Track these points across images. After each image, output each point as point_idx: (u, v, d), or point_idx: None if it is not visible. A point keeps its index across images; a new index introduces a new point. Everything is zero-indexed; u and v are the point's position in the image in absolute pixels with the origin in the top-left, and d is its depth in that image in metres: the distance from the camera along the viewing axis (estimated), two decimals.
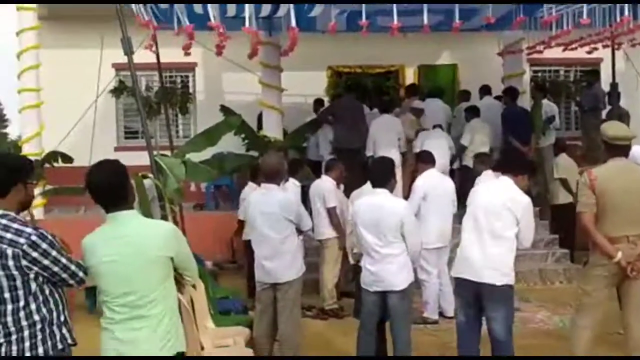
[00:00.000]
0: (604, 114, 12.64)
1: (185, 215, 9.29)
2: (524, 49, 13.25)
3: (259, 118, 12.26)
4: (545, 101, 12.86)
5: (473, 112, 11.87)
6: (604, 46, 12.16)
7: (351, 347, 6.34)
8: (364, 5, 8.56)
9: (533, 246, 9.67)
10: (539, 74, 15.71)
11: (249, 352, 5.88)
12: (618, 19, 9.72)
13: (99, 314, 3.91)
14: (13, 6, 13.64)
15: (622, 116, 11.54)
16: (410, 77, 15.49)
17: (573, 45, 11.88)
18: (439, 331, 7.76)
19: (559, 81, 16.04)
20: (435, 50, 14.74)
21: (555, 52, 12.51)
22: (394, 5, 8.49)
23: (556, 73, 16.10)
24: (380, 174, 6.26)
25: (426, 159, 8.48)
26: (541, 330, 7.28)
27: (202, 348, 5.71)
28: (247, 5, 8.71)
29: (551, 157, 11.32)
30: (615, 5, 9.63)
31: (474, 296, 5.62)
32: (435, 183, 8.13)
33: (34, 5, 13.33)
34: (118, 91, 14.18)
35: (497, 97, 12.84)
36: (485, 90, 13.04)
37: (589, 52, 12.18)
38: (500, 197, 5.58)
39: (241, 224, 9.00)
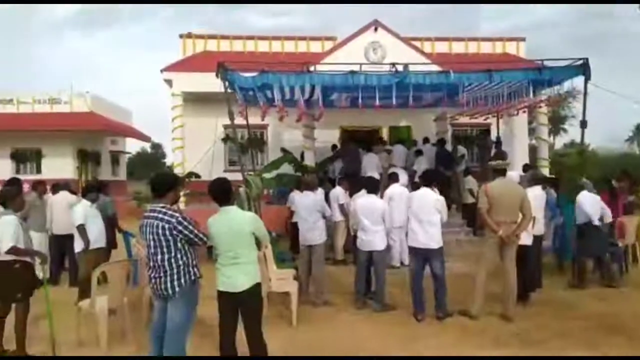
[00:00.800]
0: (491, 153, 12.57)
1: (262, 208, 9.36)
2: (448, 117, 13.27)
3: (302, 154, 12.31)
4: (459, 146, 12.83)
5: (419, 153, 11.84)
6: (493, 116, 12.14)
7: (352, 279, 6.33)
8: (360, 94, 8.63)
9: (452, 226, 9.66)
10: (456, 131, 15.59)
11: (295, 283, 5.82)
12: (501, 101, 9.75)
13: (213, 261, 3.95)
14: (169, 92, 13.93)
15: (501, 155, 11.49)
16: (385, 132, 15.49)
17: (475, 115, 11.88)
18: (398, 273, 7.72)
19: (467, 135, 15.93)
20: (399, 117, 14.72)
21: (464, 119, 12.58)
22: (376, 93, 8.57)
23: (465, 131, 15.97)
24: (371, 185, 6.32)
25: (393, 178, 8.46)
26: (457, 274, 7.21)
27: (270, 280, 5.77)
28: (296, 93, 8.82)
29: (462, 177, 11.24)
30: (500, 93, 9.66)
31: (422, 255, 5.64)
32: (397, 191, 8.06)
33: (180, 93, 13.58)
34: (225, 140, 14.34)
35: (433, 144, 12.79)
36: (425, 140, 12.99)
37: (485, 119, 12.19)
38: (429, 198, 5.62)
39: (291, 212, 9.06)
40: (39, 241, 6.69)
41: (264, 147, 15.52)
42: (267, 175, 10.66)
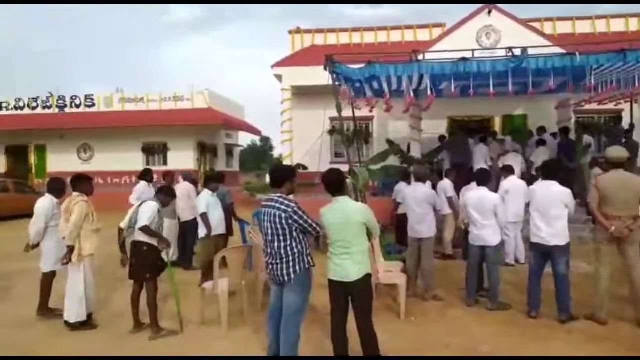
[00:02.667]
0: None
1: (368, 199, 9.37)
2: (572, 104, 12.11)
3: (408, 146, 12.11)
4: (585, 135, 11.62)
5: (540, 143, 11.05)
6: (625, 101, 10.85)
7: (463, 276, 6.07)
8: (471, 82, 8.23)
9: (575, 222, 8.86)
10: (581, 118, 14.24)
11: (403, 276, 5.71)
12: (637, 85, 8.68)
13: (320, 249, 4.05)
14: (279, 87, 14.49)
15: (633, 146, 10.33)
16: (497, 122, 14.64)
17: (605, 101, 10.72)
18: (513, 271, 7.28)
19: (594, 123, 14.48)
20: (513, 106, 13.81)
21: (591, 106, 11.41)
22: (490, 81, 8.10)
23: (591, 118, 14.53)
24: (481, 178, 6.00)
25: (508, 170, 7.99)
26: (581, 274, 6.61)
27: (377, 272, 5.75)
28: (404, 83, 8.67)
29: (588, 170, 10.23)
30: (636, 75, 8.60)
31: (544, 252, 5.26)
32: (513, 184, 7.62)
33: (289, 87, 14.05)
34: (331, 132, 14.59)
35: (552, 134, 11.82)
36: (541, 129, 12.02)
37: (615, 105, 10.95)
38: (554, 191, 5.21)
39: (397, 204, 8.96)
40: (169, 227, 7.39)
41: (370, 139, 15.54)
42: (373, 167, 10.66)
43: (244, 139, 33.86)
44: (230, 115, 21.48)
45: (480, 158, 10.77)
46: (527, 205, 5.60)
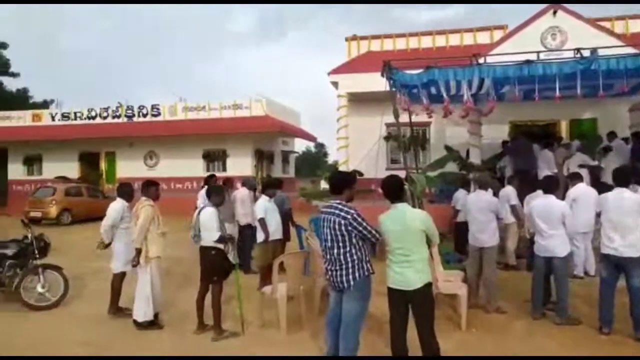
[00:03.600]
0: None
1: (425, 206, 9.18)
2: None
3: (467, 152, 11.78)
4: None
5: (606, 150, 10.39)
6: None
7: (527, 287, 5.81)
8: (536, 84, 7.90)
9: None
10: None
11: (464, 286, 5.56)
12: None
13: (377, 257, 4.01)
14: (335, 94, 14.59)
15: None
16: (564, 126, 13.95)
17: None
18: (582, 284, 6.88)
19: None
20: (581, 109, 13.10)
21: None
22: (557, 83, 7.74)
23: None
24: (548, 185, 5.73)
25: (576, 177, 7.58)
26: None
27: (437, 281, 5.62)
28: (463, 88, 8.46)
29: None
30: None
31: (616, 264, 4.95)
32: (582, 192, 7.21)
33: (345, 94, 14.11)
34: (387, 138, 14.49)
35: (623, 138, 11.08)
36: (611, 134, 11.24)
37: None
38: (627, 199, 4.91)
39: (455, 211, 8.75)
40: (229, 231, 7.60)
41: (427, 145, 15.28)
42: (430, 174, 10.47)
43: (299, 146, 34.32)
44: (287, 122, 21.84)
45: (545, 164, 10.30)
46: (598, 214, 5.29)
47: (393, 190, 3.86)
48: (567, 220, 5.37)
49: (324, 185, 14.51)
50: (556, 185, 5.86)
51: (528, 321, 5.48)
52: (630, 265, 4.85)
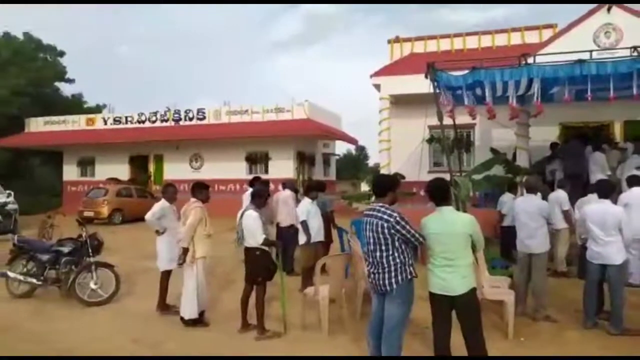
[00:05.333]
0: None
1: (469, 210, 8.95)
2: None
3: (514, 155, 11.41)
4: None
5: None
6: None
7: (578, 296, 5.58)
8: (589, 84, 7.56)
9: None
10: None
11: (511, 292, 5.37)
12: None
13: (419, 261, 3.95)
14: (378, 96, 14.52)
15: None
16: (617, 128, 13.28)
17: None
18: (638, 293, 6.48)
19: None
20: (637, 111, 12.41)
21: None
22: (611, 83, 7.39)
23: None
24: (603, 189, 5.48)
25: (633, 181, 7.19)
26: None
27: (482, 286, 5.48)
28: (510, 89, 8.22)
29: None
30: None
31: None
32: (635, 196, 6.79)
33: (388, 96, 14.02)
34: (430, 141, 14.24)
35: None
36: None
37: None
38: None
39: (501, 216, 8.51)
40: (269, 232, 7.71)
41: (471, 147, 14.93)
42: (475, 177, 10.21)
43: (340, 148, 34.32)
44: (328, 125, 21.91)
45: (598, 167, 9.86)
46: None
47: (440, 193, 3.80)
48: (624, 226, 5.11)
49: (364, 187, 14.45)
50: (611, 190, 5.61)
51: (580, 331, 5.25)
52: None
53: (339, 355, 4.59)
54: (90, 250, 6.71)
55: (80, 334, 5.46)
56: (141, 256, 9.24)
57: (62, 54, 29.70)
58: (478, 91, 8.78)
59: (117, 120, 23.28)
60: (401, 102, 14.30)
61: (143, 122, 22.75)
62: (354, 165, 48.19)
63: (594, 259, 5.26)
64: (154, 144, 22.03)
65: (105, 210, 17.11)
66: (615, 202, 6.29)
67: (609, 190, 5.50)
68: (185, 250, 5.48)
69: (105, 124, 23.47)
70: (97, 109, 31.09)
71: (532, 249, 5.72)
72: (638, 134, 12.27)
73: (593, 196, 5.72)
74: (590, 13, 12.00)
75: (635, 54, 7.55)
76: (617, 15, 11.74)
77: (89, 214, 16.77)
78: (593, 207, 5.43)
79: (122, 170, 22.73)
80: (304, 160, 21.77)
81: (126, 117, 23.15)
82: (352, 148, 45.73)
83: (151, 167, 23.22)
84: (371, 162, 47.73)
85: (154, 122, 22.55)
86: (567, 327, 5.39)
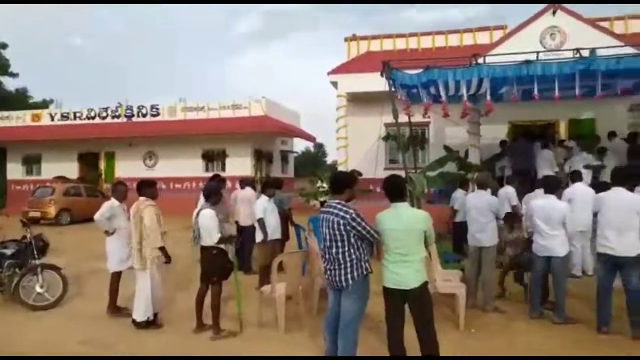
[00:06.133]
0: None
1: (423, 206, 9.17)
2: None
3: (466, 152, 11.79)
4: None
5: (601, 151, 10.40)
6: None
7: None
8: (536, 84, 7.91)
9: None
10: None
11: (462, 285, 5.54)
12: None
13: (375, 257, 4.02)
14: (335, 94, 14.58)
15: None
16: (562, 126, 13.95)
17: None
18: (580, 284, 6.86)
19: None
20: (580, 109, 13.07)
21: None
22: (556, 84, 7.76)
23: None
24: (549, 185, 5.73)
25: (575, 177, 7.57)
26: None
27: (434, 280, 5.62)
28: (462, 88, 8.47)
29: None
30: None
31: (613, 264, 4.97)
32: (579, 191, 7.18)
33: (344, 94, 14.10)
34: (386, 138, 14.47)
35: (623, 138, 11.09)
36: (611, 134, 11.27)
37: None
38: (625, 199, 4.94)
39: (453, 211, 8.76)
40: (227, 230, 7.60)
41: (425, 145, 15.28)
42: (430, 174, 10.47)
43: (299, 146, 34.25)
44: (286, 122, 21.84)
45: (544, 164, 10.33)
46: (595, 214, 5.30)
47: (396, 189, 3.86)
48: (568, 220, 5.37)
49: (320, 184, 14.49)
50: (557, 185, 5.87)
51: (527, 321, 5.49)
52: (627, 265, 4.86)
53: (300, 356, 4.59)
54: (35, 252, 6.40)
55: (27, 338, 5.23)
56: (90, 257, 8.90)
57: (4, 46, 28.21)
58: (432, 90, 9.01)
59: (64, 116, 22.33)
60: (358, 100, 14.45)
61: (93, 118, 21.94)
62: (313, 162, 48.25)
63: (539, 252, 5.50)
64: (106, 141, 21.28)
65: (52, 210, 16.36)
66: (560, 197, 6.61)
67: (554, 185, 5.75)
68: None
69: (52, 120, 22.47)
70: (44, 104, 29.74)
71: (482, 243, 5.93)
72: (581, 132, 12.97)
73: (540, 191, 5.97)
74: (538, 15, 12.54)
75: (578, 55, 7.94)
76: (562, 18, 12.32)
77: (34, 214, 16.00)
78: (539, 202, 5.67)
79: (70, 169, 21.82)
80: (262, 157, 21.62)
81: (75, 113, 22.24)
82: (310, 145, 45.86)
83: (102, 165, 22.41)
84: (330, 160, 48.00)
85: (104, 118, 21.79)
86: (515, 317, 5.63)
